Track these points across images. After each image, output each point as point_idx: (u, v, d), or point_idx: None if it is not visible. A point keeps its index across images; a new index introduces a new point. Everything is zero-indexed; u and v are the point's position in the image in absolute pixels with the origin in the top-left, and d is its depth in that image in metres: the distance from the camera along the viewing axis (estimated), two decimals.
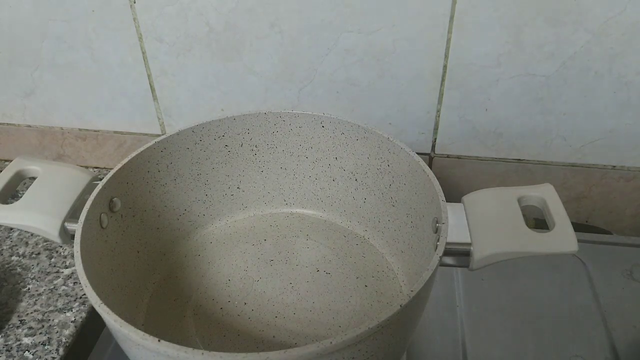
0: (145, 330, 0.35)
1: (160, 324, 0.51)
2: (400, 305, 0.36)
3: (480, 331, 0.54)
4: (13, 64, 0.68)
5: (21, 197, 0.48)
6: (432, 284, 0.40)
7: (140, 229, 0.54)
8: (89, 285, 0.39)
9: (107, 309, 0.37)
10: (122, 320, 0.36)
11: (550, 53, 0.57)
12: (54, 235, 0.46)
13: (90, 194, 0.47)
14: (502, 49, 0.57)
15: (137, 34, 0.62)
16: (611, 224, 0.69)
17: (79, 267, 0.40)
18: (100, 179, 0.49)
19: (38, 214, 0.46)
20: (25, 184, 0.54)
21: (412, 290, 0.37)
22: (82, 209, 0.45)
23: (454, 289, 0.59)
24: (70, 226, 0.47)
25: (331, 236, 0.60)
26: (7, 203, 0.48)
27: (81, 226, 0.43)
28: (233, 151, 0.59)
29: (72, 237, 0.47)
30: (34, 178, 0.50)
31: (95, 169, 0.76)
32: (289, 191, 0.62)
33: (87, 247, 0.43)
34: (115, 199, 0.50)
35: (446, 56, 0.58)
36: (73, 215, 0.47)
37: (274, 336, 0.50)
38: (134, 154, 0.51)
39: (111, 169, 0.49)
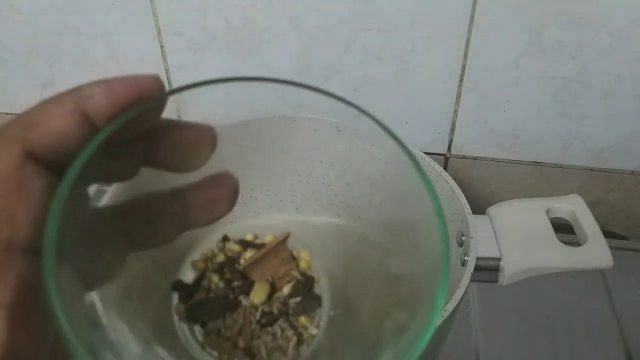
0: None
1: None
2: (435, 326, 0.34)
3: (493, 336, 0.53)
4: (32, 55, 0.67)
5: None
6: (462, 301, 0.38)
7: None
8: None
9: None
10: None
11: (571, 55, 0.55)
12: None
13: None
14: (522, 50, 0.55)
15: (156, 28, 0.61)
16: (628, 229, 0.68)
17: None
18: None
19: None
20: None
21: (445, 310, 0.35)
22: None
23: (467, 292, 0.57)
24: None
25: (347, 242, 0.58)
26: None
27: None
28: (244, 156, 0.57)
29: None
30: None
31: None
32: (301, 197, 0.60)
33: None
34: None
35: (465, 56, 0.57)
36: None
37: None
38: None
39: None
